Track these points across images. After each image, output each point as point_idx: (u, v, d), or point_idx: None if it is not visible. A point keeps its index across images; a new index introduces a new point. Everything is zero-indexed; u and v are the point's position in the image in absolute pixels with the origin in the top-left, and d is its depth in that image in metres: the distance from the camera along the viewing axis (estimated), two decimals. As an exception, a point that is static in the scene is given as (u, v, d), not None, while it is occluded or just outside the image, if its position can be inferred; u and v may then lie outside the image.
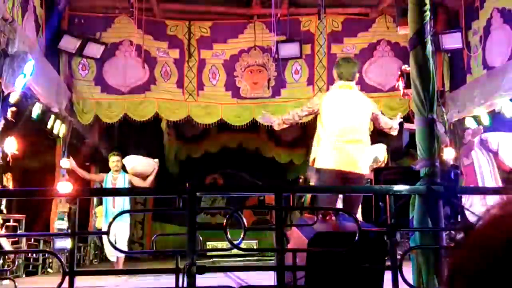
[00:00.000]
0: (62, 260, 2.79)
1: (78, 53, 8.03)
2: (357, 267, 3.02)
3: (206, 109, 8.53)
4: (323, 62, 8.57)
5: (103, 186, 7.32)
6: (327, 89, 8.46)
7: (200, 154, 12.77)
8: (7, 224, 6.65)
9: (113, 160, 7.08)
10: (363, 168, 4.22)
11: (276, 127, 4.79)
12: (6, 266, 6.12)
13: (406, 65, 5.22)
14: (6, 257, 6.11)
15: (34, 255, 7.22)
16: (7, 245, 6.07)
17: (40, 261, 7.29)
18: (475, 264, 0.53)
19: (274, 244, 2.75)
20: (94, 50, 8.06)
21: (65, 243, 6.82)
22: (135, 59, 8.39)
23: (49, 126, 7.47)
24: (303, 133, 12.21)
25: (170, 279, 3.05)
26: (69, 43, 7.87)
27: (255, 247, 11.66)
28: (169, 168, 12.33)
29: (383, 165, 5.88)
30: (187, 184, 2.66)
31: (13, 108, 5.98)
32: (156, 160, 7.42)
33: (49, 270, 7.48)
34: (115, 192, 6.21)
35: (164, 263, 7.13)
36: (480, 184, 6.02)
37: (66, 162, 7.63)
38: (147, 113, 8.40)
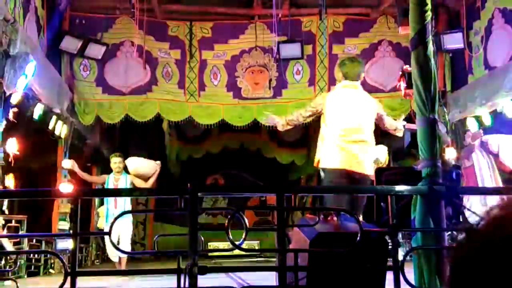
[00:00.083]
0: (64, 260, 2.80)
1: (80, 54, 8.04)
2: (359, 268, 3.02)
3: (208, 109, 8.53)
4: (324, 62, 8.57)
5: (105, 186, 7.33)
6: (329, 90, 8.46)
7: (201, 155, 12.77)
8: (9, 224, 6.65)
9: (115, 161, 7.10)
10: (368, 168, 4.22)
11: (280, 128, 4.79)
12: (8, 266, 6.12)
13: (407, 65, 5.22)
14: (8, 257, 6.11)
15: (36, 255, 7.23)
16: (9, 246, 6.08)
17: (42, 261, 7.30)
18: (477, 265, 0.53)
19: (276, 245, 2.74)
20: (96, 50, 8.07)
21: (67, 244, 6.84)
22: (137, 60, 8.39)
23: (50, 127, 7.48)
24: (305, 134, 12.20)
25: (171, 280, 3.05)
26: (70, 43, 7.88)
27: (256, 247, 11.65)
28: (170, 168, 12.33)
29: (384, 166, 5.89)
30: (188, 184, 2.66)
31: (15, 109, 5.99)
32: (158, 162, 7.43)
33: (51, 270, 7.49)
34: (116, 192, 6.22)
35: (166, 264, 7.14)
36: (480, 186, 6.02)
37: (67, 163, 7.64)
38: (148, 114, 8.40)
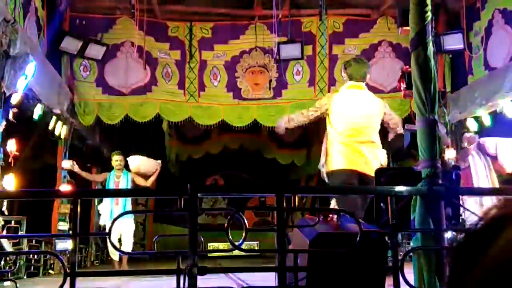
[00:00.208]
0: (64, 261, 2.79)
1: (80, 54, 8.04)
2: (359, 268, 3.02)
3: (207, 110, 8.53)
4: (324, 63, 8.57)
5: (106, 184, 7.42)
6: (329, 90, 8.47)
7: (201, 155, 12.76)
8: (9, 225, 6.64)
9: (116, 159, 7.27)
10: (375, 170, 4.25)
11: (288, 126, 4.80)
12: (7, 267, 6.11)
13: (407, 66, 5.23)
14: (8, 258, 6.11)
15: (35, 256, 7.22)
16: (8, 246, 6.07)
17: (42, 262, 7.29)
18: (476, 265, 0.53)
19: (276, 245, 2.74)
20: (96, 51, 8.07)
21: (67, 244, 6.84)
22: (137, 60, 8.39)
23: (50, 127, 7.47)
24: (305, 135, 12.20)
25: (171, 280, 3.05)
26: (70, 44, 7.88)
27: (256, 248, 11.65)
28: (170, 169, 12.33)
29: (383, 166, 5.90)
30: (188, 185, 2.66)
31: (15, 109, 5.98)
32: (159, 161, 7.53)
33: (50, 271, 7.48)
34: (116, 193, 6.25)
35: (166, 264, 7.13)
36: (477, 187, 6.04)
37: (68, 163, 7.69)
38: (148, 114, 8.40)
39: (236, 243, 2.72)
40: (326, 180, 4.76)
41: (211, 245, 11.47)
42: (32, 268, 7.14)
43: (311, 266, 3.05)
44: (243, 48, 8.66)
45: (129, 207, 7.45)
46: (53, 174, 8.24)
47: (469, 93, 7.64)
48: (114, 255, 7.16)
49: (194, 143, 12.51)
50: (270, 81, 8.57)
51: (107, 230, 3.12)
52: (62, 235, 7.48)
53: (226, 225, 2.72)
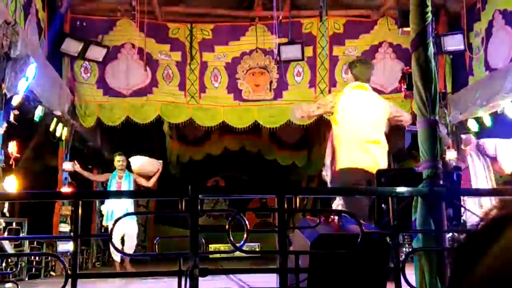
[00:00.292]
0: (65, 263, 2.79)
1: (80, 56, 8.04)
2: (360, 269, 3.02)
3: (208, 111, 8.53)
4: (325, 64, 8.57)
5: (108, 184, 7.47)
6: (329, 91, 8.47)
7: (202, 157, 12.77)
8: (10, 227, 6.65)
9: (119, 160, 7.36)
10: None
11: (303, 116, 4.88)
12: (9, 269, 6.12)
13: (408, 67, 5.23)
14: (9, 260, 6.11)
15: (37, 258, 7.22)
16: (9, 248, 6.07)
17: (43, 264, 7.29)
18: (477, 266, 0.53)
19: (277, 247, 2.74)
20: (96, 53, 8.08)
21: (68, 246, 6.84)
22: (137, 62, 8.40)
23: (51, 129, 7.48)
24: (305, 136, 12.21)
25: (172, 282, 3.05)
26: (71, 46, 7.89)
27: (257, 249, 11.65)
28: (171, 170, 12.33)
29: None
30: (189, 186, 2.66)
31: (16, 111, 5.99)
32: (161, 161, 7.60)
33: (52, 273, 7.48)
34: (117, 194, 6.26)
35: (167, 266, 7.13)
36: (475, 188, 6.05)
37: (69, 165, 7.71)
38: (149, 116, 8.41)
39: (237, 245, 2.72)
40: (328, 180, 4.75)
41: (212, 247, 11.46)
42: (33, 270, 7.14)
43: (313, 267, 3.05)
44: (244, 50, 8.66)
45: (131, 208, 7.49)
46: (54, 176, 8.25)
47: (470, 94, 7.64)
48: (116, 256, 7.21)
49: (195, 145, 12.51)
50: (271, 82, 8.57)
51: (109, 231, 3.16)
52: (64, 237, 7.49)
53: (227, 226, 2.72)
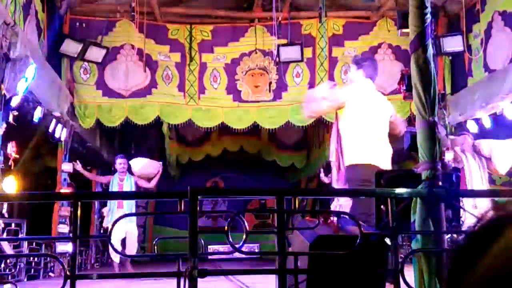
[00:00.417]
0: (64, 264, 2.79)
1: (80, 57, 8.03)
2: (359, 271, 3.02)
3: (207, 112, 8.53)
4: (324, 65, 8.57)
5: (110, 187, 7.51)
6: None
7: (201, 158, 12.78)
8: (9, 228, 6.64)
9: (120, 162, 7.43)
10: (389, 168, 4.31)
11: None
12: (7, 270, 6.11)
13: (407, 68, 5.24)
14: (8, 261, 6.11)
15: (35, 259, 7.22)
16: (8, 249, 6.07)
17: (42, 265, 7.29)
18: (475, 266, 0.53)
19: (276, 248, 2.74)
20: (96, 54, 8.07)
21: (67, 247, 6.84)
22: (137, 63, 8.39)
23: (50, 130, 7.47)
24: (304, 136, 12.22)
25: (171, 283, 3.05)
26: (70, 47, 7.88)
27: (257, 250, 11.65)
28: (170, 171, 12.33)
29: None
30: (188, 187, 2.66)
31: (15, 112, 5.99)
32: (161, 162, 7.65)
33: (50, 274, 7.48)
34: (117, 195, 6.26)
35: (166, 267, 7.13)
36: (469, 188, 6.06)
37: (68, 166, 7.73)
38: (148, 117, 8.40)
39: (237, 246, 2.72)
40: (334, 178, 4.69)
41: (212, 248, 11.46)
42: (32, 270, 7.14)
43: (312, 268, 3.05)
44: (243, 51, 8.66)
45: (133, 211, 7.55)
46: (53, 177, 8.24)
47: (469, 95, 7.64)
48: (116, 257, 7.24)
49: (194, 146, 12.52)
50: (270, 83, 8.57)
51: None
52: (62, 238, 7.49)
53: (226, 227, 2.72)
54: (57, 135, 7.65)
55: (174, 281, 2.92)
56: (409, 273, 2.87)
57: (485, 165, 6.18)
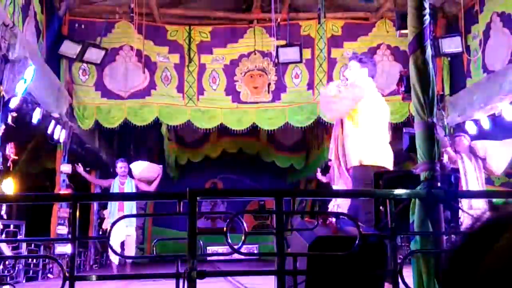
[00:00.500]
0: (63, 265, 2.79)
1: (79, 58, 8.02)
2: (358, 271, 3.02)
3: (206, 113, 8.53)
4: (323, 66, 8.58)
5: (111, 190, 7.54)
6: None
7: (200, 159, 12.77)
8: (7, 229, 6.64)
9: (121, 166, 7.48)
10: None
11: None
12: (6, 271, 6.10)
13: (406, 69, 5.23)
14: (6, 262, 6.10)
15: (34, 260, 7.21)
16: (7, 251, 6.07)
17: (40, 266, 7.28)
18: (475, 267, 0.53)
19: (275, 249, 2.74)
20: (95, 55, 8.06)
21: (66, 249, 6.83)
22: (136, 64, 8.39)
23: (49, 131, 7.47)
24: (303, 138, 12.22)
25: (170, 284, 3.05)
26: (69, 48, 7.88)
27: (255, 251, 11.65)
28: (169, 172, 12.33)
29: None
30: (187, 188, 2.66)
31: (14, 113, 5.98)
32: (161, 166, 7.69)
33: (49, 275, 7.47)
34: (115, 196, 6.26)
35: (165, 268, 7.13)
36: (465, 189, 6.08)
37: (67, 167, 7.73)
38: (147, 118, 8.40)
39: (235, 247, 2.72)
40: (336, 178, 4.65)
41: (211, 249, 11.45)
42: (31, 272, 7.13)
43: (310, 269, 3.05)
44: (242, 52, 8.67)
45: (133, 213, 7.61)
46: (52, 178, 8.23)
47: (468, 96, 7.65)
48: (115, 259, 7.25)
49: (193, 147, 12.52)
50: (269, 84, 8.57)
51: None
52: (61, 239, 7.48)
53: (225, 228, 2.72)
54: (56, 136, 7.65)
55: (173, 282, 2.92)
56: (408, 274, 2.88)
57: (481, 166, 6.20)
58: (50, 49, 7.51)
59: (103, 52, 8.11)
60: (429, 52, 3.22)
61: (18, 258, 6.51)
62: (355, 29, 8.70)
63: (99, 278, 3.47)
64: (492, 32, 7.28)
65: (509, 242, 0.52)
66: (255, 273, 3.72)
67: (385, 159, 4.36)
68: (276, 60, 8.20)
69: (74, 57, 7.97)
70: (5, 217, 6.65)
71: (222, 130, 8.98)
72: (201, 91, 8.57)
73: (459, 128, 7.96)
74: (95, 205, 9.71)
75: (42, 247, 7.37)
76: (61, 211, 7.83)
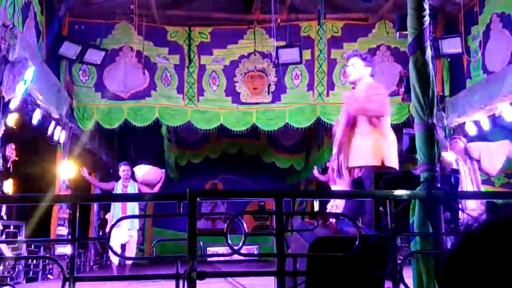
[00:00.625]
0: (63, 266, 2.79)
1: (79, 59, 8.03)
2: (358, 272, 3.02)
3: (206, 114, 8.54)
4: (323, 67, 8.58)
5: (115, 193, 7.55)
6: (327, 95, 8.50)
7: (200, 160, 12.77)
8: (7, 230, 6.64)
9: (123, 169, 7.52)
10: None
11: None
12: (6, 272, 6.10)
13: (405, 70, 5.23)
14: (6, 263, 6.10)
15: (34, 261, 7.21)
16: (7, 252, 6.06)
17: (40, 267, 7.28)
18: (469, 266, 0.53)
19: (275, 250, 2.74)
20: (95, 56, 8.06)
21: (66, 249, 6.83)
22: (136, 65, 8.40)
23: (49, 132, 7.47)
24: (303, 138, 12.22)
25: (170, 285, 3.04)
26: (69, 49, 7.88)
27: (255, 252, 11.64)
28: (169, 173, 12.32)
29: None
30: (187, 189, 2.66)
31: (14, 115, 5.98)
32: (163, 170, 7.74)
33: (49, 276, 7.47)
34: (115, 198, 6.26)
35: (165, 269, 7.14)
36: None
37: (84, 172, 7.76)
38: (147, 119, 8.41)
39: (235, 248, 2.72)
40: (342, 175, 4.54)
41: (211, 250, 11.45)
42: (31, 273, 7.13)
43: (310, 270, 3.05)
44: (242, 53, 8.68)
45: (136, 219, 7.64)
46: (52, 179, 8.23)
47: (468, 97, 7.66)
48: (115, 259, 7.28)
49: (193, 148, 12.52)
50: (269, 85, 8.58)
51: (111, 236, 3.17)
52: (61, 240, 7.48)
53: (225, 229, 2.72)
54: (56, 137, 7.65)
55: (173, 283, 2.92)
56: (408, 275, 2.87)
57: (476, 168, 6.22)
58: (50, 50, 7.52)
59: (103, 53, 8.11)
60: (429, 53, 3.22)
61: (18, 259, 6.51)
62: (355, 30, 8.71)
63: (99, 279, 3.48)
64: (492, 33, 7.29)
65: (507, 243, 0.53)
66: (255, 274, 3.72)
67: (396, 159, 4.39)
68: (276, 61, 8.20)
69: (74, 58, 7.97)
70: (5, 218, 6.65)
71: (222, 131, 8.98)
72: (201, 92, 8.57)
73: (459, 128, 7.97)
74: (95, 206, 9.71)
75: (42, 248, 7.37)
76: (61, 212, 7.83)
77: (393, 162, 4.31)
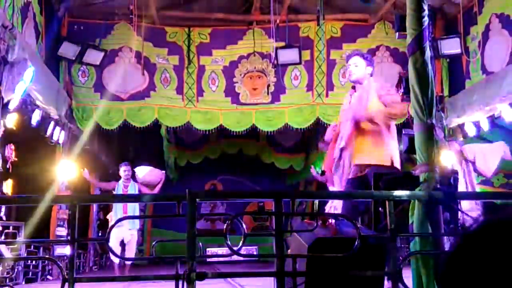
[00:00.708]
0: (62, 267, 2.79)
1: (78, 60, 8.03)
2: (357, 273, 3.02)
3: (206, 115, 8.53)
4: (322, 67, 8.59)
5: (115, 193, 7.57)
6: (327, 95, 8.50)
7: (199, 160, 12.77)
8: (7, 231, 6.63)
9: (124, 170, 7.57)
10: None
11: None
12: (5, 273, 6.10)
13: (405, 71, 5.23)
14: (6, 264, 6.09)
15: (33, 262, 7.20)
16: (6, 252, 6.06)
17: (40, 268, 7.27)
18: (467, 266, 0.53)
19: (274, 250, 2.74)
20: (94, 56, 8.06)
21: (65, 250, 6.83)
22: (135, 66, 8.40)
23: (48, 132, 7.47)
24: (303, 139, 12.22)
25: (170, 286, 3.04)
26: (68, 50, 7.88)
27: (255, 253, 11.65)
28: (169, 174, 12.32)
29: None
30: (186, 190, 2.66)
31: (13, 115, 5.98)
32: (163, 171, 7.77)
33: (48, 277, 7.47)
34: (114, 198, 6.26)
35: (164, 269, 7.14)
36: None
37: (86, 173, 7.77)
38: (146, 119, 8.40)
39: (235, 248, 2.72)
40: (344, 172, 4.49)
41: (210, 250, 11.45)
42: (30, 273, 7.13)
43: (310, 270, 3.05)
44: (241, 53, 8.68)
45: (137, 220, 7.69)
46: (51, 180, 8.22)
47: (467, 98, 7.66)
48: (116, 258, 7.33)
49: (193, 148, 12.52)
50: (268, 86, 8.58)
51: (111, 237, 3.16)
52: (60, 241, 7.48)
53: (224, 230, 2.72)
54: (55, 137, 7.65)
55: (172, 284, 2.92)
56: (407, 275, 2.88)
57: (471, 170, 6.25)
58: (49, 51, 7.51)
59: (102, 54, 8.11)
60: (428, 53, 3.22)
61: (17, 259, 6.51)
62: (354, 30, 8.71)
63: (99, 279, 3.48)
64: (491, 34, 7.29)
65: (506, 243, 0.53)
66: (254, 275, 3.72)
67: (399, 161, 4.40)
68: (275, 62, 8.20)
69: (73, 58, 7.97)
70: (4, 218, 6.65)
71: (222, 131, 8.98)
72: (200, 92, 8.57)
73: (459, 129, 7.97)
74: (94, 207, 9.71)
75: (41, 249, 7.36)
76: (60, 212, 7.83)
77: (398, 162, 4.32)
